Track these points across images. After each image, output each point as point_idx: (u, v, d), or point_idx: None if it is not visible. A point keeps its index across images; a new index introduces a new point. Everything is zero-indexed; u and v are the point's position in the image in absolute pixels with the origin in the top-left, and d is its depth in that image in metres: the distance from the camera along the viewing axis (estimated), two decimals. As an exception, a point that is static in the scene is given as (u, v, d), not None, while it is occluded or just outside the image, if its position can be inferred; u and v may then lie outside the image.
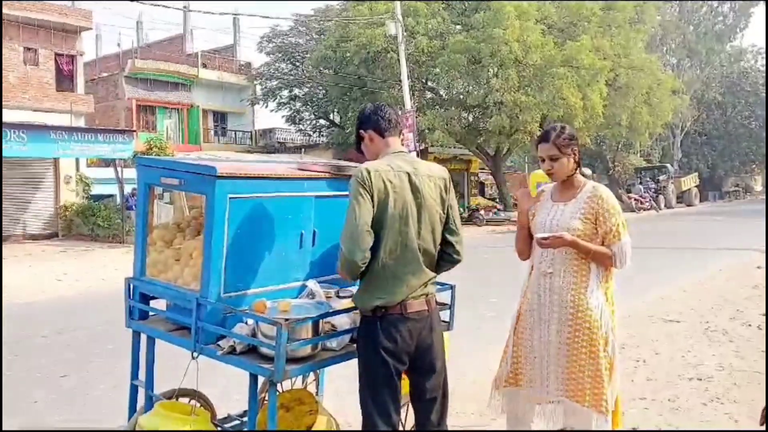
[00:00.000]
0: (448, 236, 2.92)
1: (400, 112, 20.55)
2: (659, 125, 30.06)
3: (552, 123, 3.52)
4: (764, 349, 6.13)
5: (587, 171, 3.69)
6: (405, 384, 2.96)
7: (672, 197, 35.12)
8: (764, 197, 22.50)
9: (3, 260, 12.61)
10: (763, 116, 43.87)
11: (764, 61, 45.32)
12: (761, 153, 46.49)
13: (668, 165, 37.62)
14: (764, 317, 7.48)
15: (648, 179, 35.37)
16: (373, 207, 2.70)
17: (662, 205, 32.84)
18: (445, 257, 2.93)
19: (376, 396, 2.79)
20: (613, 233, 3.10)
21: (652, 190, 33.95)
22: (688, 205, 36.42)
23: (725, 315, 7.70)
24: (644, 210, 30.94)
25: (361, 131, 2.97)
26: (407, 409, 3.25)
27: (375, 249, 2.73)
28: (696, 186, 39.02)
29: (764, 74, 45.12)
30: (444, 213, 2.90)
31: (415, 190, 2.80)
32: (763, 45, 44.01)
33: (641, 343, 6.44)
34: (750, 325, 7.12)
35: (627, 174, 37.53)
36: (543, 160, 3.21)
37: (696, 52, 41.22)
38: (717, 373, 5.42)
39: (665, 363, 5.78)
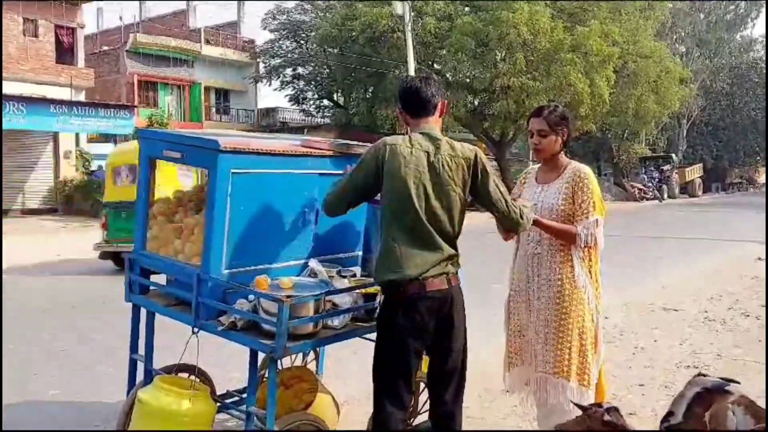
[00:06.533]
0: (493, 211, 2.88)
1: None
2: (666, 114, 29.94)
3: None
4: (762, 339, 6.15)
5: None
6: (424, 363, 2.98)
7: (675, 187, 34.99)
8: (766, 190, 22.45)
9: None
10: (768, 108, 43.87)
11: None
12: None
13: (673, 155, 37.40)
14: (763, 308, 7.50)
15: (652, 169, 35.19)
16: (380, 180, 2.75)
17: (665, 195, 32.71)
18: (505, 223, 2.94)
19: (387, 376, 2.79)
20: (582, 210, 3.11)
21: (656, 179, 33.80)
22: (691, 196, 36.31)
23: (724, 305, 7.71)
24: (647, 199, 30.87)
25: (398, 109, 2.97)
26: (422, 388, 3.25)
27: (386, 224, 2.75)
28: (700, 177, 38.86)
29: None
30: (464, 194, 2.82)
31: (431, 169, 2.76)
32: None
33: (640, 331, 6.45)
34: (748, 316, 7.14)
35: (631, 163, 37.38)
36: (532, 135, 3.24)
37: (706, 42, 40.82)
38: (714, 361, 5.44)
39: (664, 351, 5.79)
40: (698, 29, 40.39)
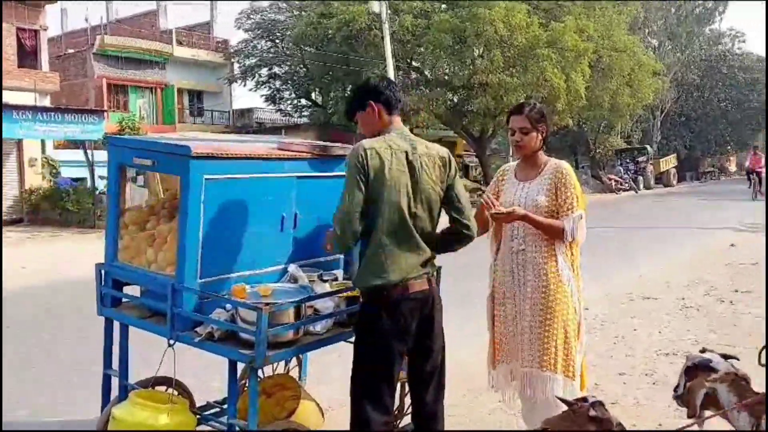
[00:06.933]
0: (454, 214, 2.90)
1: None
2: (640, 107, 30.19)
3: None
4: (736, 323, 6.29)
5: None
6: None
7: (651, 178, 35.43)
8: (738, 178, 23.00)
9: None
10: (738, 99, 44.45)
11: (742, 45, 45.97)
12: (736, 135, 47.11)
13: (648, 146, 37.87)
14: (736, 293, 7.62)
15: (628, 160, 35.58)
16: (368, 186, 2.66)
17: (641, 186, 33.06)
18: (456, 235, 2.92)
19: (370, 380, 2.76)
20: (567, 206, 3.14)
21: (632, 171, 34.16)
22: (666, 186, 36.74)
23: (700, 292, 7.85)
24: (623, 191, 31.15)
25: (371, 102, 2.83)
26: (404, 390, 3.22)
27: (371, 228, 2.70)
28: (674, 167, 39.38)
29: (740, 57, 45.68)
30: (442, 192, 2.85)
31: (411, 168, 2.75)
32: (741, 28, 44.41)
33: (620, 320, 6.55)
34: (723, 301, 7.29)
35: (608, 156, 37.77)
36: (513, 133, 3.25)
37: (677, 35, 41.41)
38: (692, 347, 5.50)
39: (643, 339, 5.89)
40: (669, 23, 40.94)
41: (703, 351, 2.66)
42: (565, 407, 2.42)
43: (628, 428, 2.47)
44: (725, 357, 2.57)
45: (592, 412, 2.29)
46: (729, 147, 51.05)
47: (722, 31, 46.96)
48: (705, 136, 46.69)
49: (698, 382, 2.51)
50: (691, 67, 43.37)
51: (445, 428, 2.99)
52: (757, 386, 2.44)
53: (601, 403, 2.33)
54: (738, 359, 2.56)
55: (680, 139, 45.35)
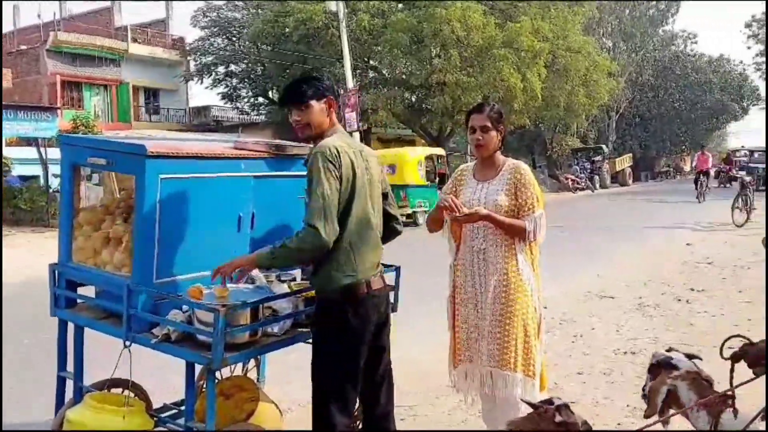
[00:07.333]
0: (391, 210, 2.99)
1: (341, 91, 20.43)
2: (595, 107, 30.73)
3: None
4: (692, 322, 6.41)
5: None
6: None
7: (607, 177, 36.08)
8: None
9: None
10: (692, 99, 45.63)
11: (694, 46, 47.27)
12: (690, 135, 48.35)
13: (603, 146, 38.56)
14: (692, 291, 7.80)
15: (584, 160, 36.18)
16: (341, 185, 2.65)
17: (597, 185, 33.67)
18: (391, 230, 3.01)
19: (336, 382, 2.75)
20: (527, 206, 3.17)
21: (588, 170, 34.74)
22: (622, 185, 37.50)
23: (657, 290, 7.96)
24: (580, 190, 31.68)
25: (328, 96, 2.81)
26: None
27: (341, 228, 2.68)
28: (630, 166, 40.23)
29: (693, 58, 46.98)
30: (384, 190, 2.95)
31: (367, 167, 2.80)
32: (693, 30, 45.53)
33: (578, 320, 6.60)
34: (680, 300, 7.39)
35: (564, 155, 38.34)
36: (474, 131, 3.26)
37: (631, 36, 42.26)
38: (650, 346, 5.59)
39: (601, 338, 5.94)
40: (624, 24, 41.74)
41: (669, 350, 2.68)
42: (529, 409, 2.38)
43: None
44: (690, 357, 2.59)
45: (558, 418, 2.28)
46: (684, 147, 52.35)
47: (675, 32, 48.12)
48: (660, 136, 47.68)
49: (660, 380, 2.51)
50: (646, 67, 44.30)
51: (409, 428, 3.00)
52: (721, 386, 2.47)
53: (566, 406, 2.29)
54: (701, 359, 2.59)
55: (635, 138, 46.32)
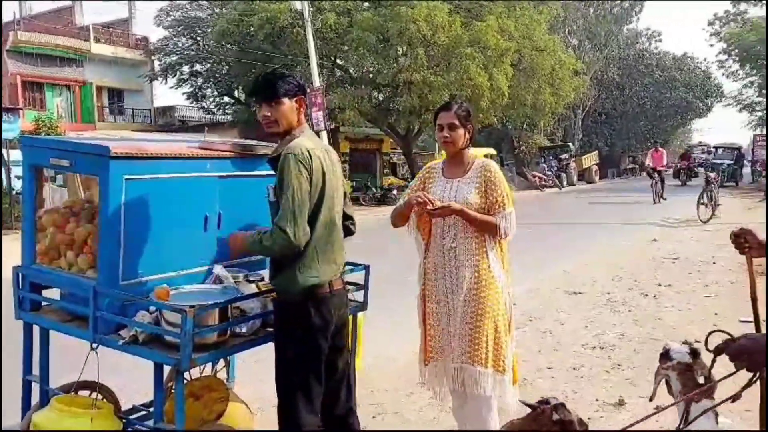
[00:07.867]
0: (347, 211, 3.03)
1: (309, 90, 20.32)
2: (562, 105, 31.02)
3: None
4: (660, 317, 6.51)
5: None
6: None
7: (573, 175, 36.48)
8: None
9: None
10: (656, 96, 46.26)
11: (658, 45, 48.21)
12: (656, 133, 49.16)
13: (570, 144, 39.03)
14: (660, 286, 7.94)
15: (551, 158, 36.50)
16: (311, 187, 2.65)
17: (564, 183, 34.03)
18: (345, 230, 3.03)
19: (304, 381, 2.76)
20: (498, 203, 3.21)
21: (555, 168, 35.06)
22: (589, 182, 37.95)
23: (624, 286, 8.08)
24: (547, 188, 31.99)
25: (299, 95, 2.80)
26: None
27: (310, 229, 2.69)
28: (596, 164, 40.71)
29: (657, 56, 47.63)
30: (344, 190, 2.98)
31: (333, 168, 2.81)
32: (657, 28, 46.27)
33: (547, 315, 6.67)
34: (647, 295, 7.52)
35: (531, 153, 38.68)
36: (441, 129, 3.29)
37: (596, 34, 42.79)
38: (618, 341, 5.70)
39: (570, 333, 6.02)
40: (588, 22, 42.24)
41: (684, 342, 2.77)
42: (525, 408, 2.43)
43: None
44: (691, 350, 2.67)
45: (555, 416, 2.29)
46: (649, 144, 53.01)
47: (639, 31, 48.84)
48: (626, 134, 48.31)
49: (658, 369, 2.68)
50: (611, 65, 44.84)
51: (379, 427, 3.02)
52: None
53: (563, 405, 2.32)
54: (699, 353, 2.64)
55: (601, 136, 46.88)
